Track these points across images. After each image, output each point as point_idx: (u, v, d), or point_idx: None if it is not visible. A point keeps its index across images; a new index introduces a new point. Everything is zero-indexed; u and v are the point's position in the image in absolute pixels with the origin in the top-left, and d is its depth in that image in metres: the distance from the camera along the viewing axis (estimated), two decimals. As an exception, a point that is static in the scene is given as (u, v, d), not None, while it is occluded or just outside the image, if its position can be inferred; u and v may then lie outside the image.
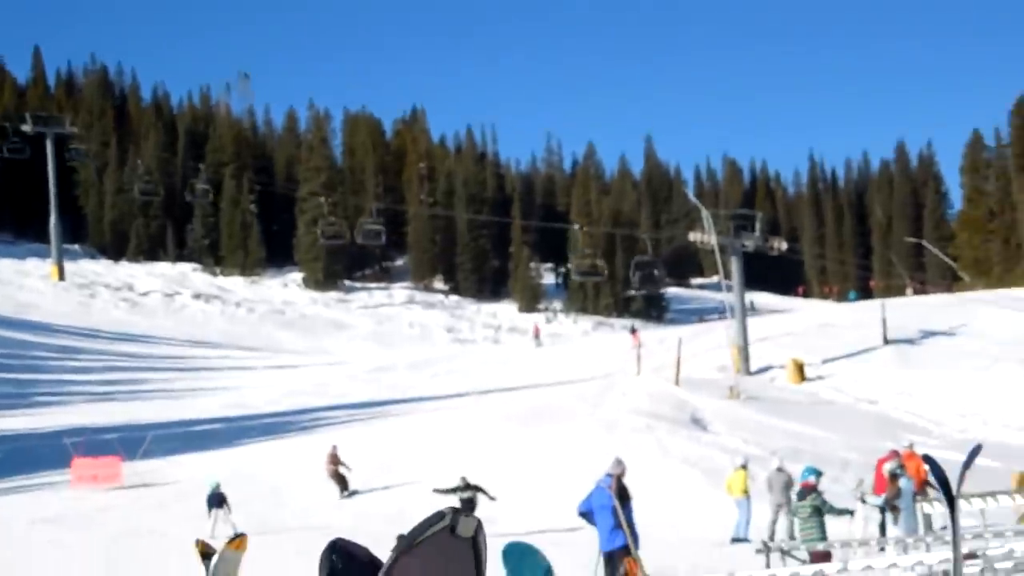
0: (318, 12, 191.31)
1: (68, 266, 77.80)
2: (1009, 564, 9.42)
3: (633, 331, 55.28)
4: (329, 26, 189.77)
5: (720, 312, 58.39)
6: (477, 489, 22.99)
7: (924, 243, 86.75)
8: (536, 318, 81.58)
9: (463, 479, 23.27)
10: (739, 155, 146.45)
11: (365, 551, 2.10)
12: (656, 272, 60.13)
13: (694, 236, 54.36)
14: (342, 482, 26.74)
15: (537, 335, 70.59)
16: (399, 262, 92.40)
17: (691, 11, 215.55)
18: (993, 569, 9.24)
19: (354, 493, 27.90)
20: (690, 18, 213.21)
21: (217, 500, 24.06)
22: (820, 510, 18.83)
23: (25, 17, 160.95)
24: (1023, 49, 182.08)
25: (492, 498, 22.77)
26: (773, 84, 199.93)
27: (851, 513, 20.26)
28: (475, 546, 1.95)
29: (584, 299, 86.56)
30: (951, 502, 4.63)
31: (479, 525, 1.93)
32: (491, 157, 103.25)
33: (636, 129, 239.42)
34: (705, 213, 52.21)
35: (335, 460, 27.20)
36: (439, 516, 1.86)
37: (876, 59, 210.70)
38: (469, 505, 21.50)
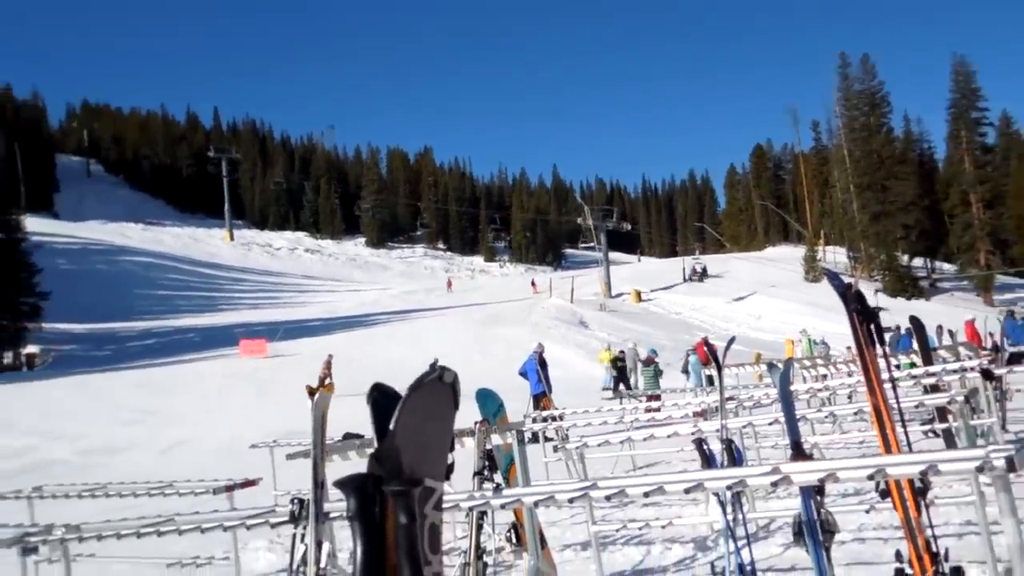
0: (368, 85, 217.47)
1: (235, 233, 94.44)
2: (751, 402, 9.59)
3: (533, 283, 61.54)
4: (376, 90, 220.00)
5: (595, 263, 64.32)
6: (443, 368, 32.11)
7: (705, 226, 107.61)
8: (492, 266, 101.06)
9: (435, 360, 31.68)
10: (603, 175, 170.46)
11: (393, 390, 2.21)
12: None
13: (580, 220, 67.59)
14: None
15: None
16: (419, 233, 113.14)
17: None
18: (743, 405, 9.45)
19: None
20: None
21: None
22: (656, 373, 22.38)
23: (207, 87, 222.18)
24: (763, 104, 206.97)
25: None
26: (621, 128, 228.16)
27: (656, 374, 22.86)
28: (453, 389, 2.23)
29: (521, 255, 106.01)
30: (719, 369, 5.70)
31: (456, 376, 2.20)
32: (468, 174, 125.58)
33: (547, 159, 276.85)
34: (586, 208, 65.13)
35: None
36: (433, 369, 2.15)
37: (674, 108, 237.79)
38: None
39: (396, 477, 1.95)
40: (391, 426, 2.03)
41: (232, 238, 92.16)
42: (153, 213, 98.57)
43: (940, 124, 79.65)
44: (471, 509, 4.72)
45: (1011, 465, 2.85)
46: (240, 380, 28.69)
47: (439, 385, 2.11)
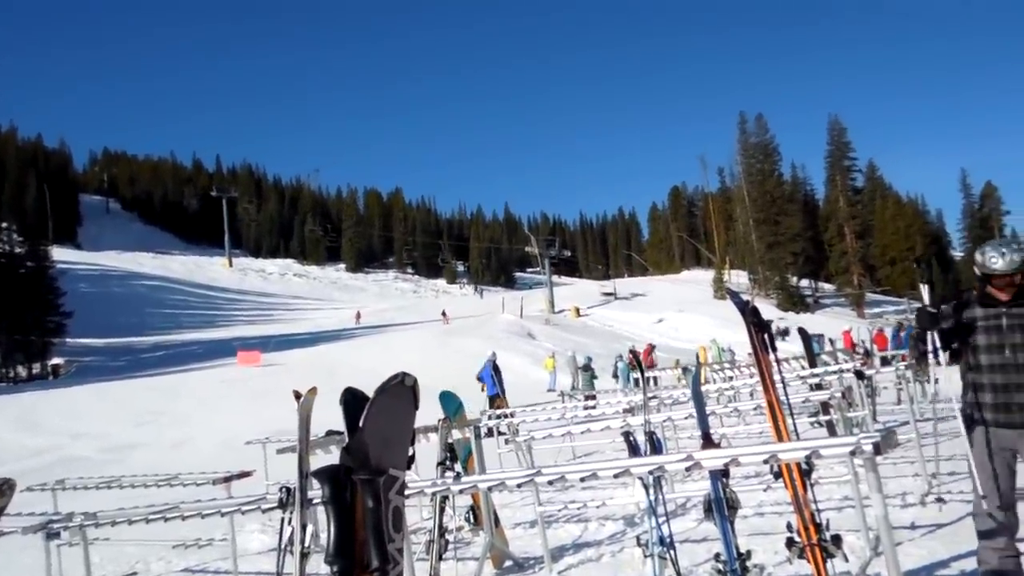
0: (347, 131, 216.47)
1: (234, 260, 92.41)
2: (670, 400, 9.38)
3: (444, 313, 53.66)
4: (355, 137, 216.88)
5: (541, 284, 64.99)
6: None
7: (632, 254, 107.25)
8: (454, 288, 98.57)
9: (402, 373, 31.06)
10: (547, 210, 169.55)
11: (363, 393, 2.18)
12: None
13: (528, 248, 68.29)
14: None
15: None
16: (391, 259, 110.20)
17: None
18: (664, 403, 9.22)
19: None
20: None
21: None
22: (592, 377, 22.63)
23: (209, 137, 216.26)
24: (679, 153, 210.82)
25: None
26: (563, 170, 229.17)
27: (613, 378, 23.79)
28: (414, 391, 2.20)
29: (478, 278, 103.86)
30: (642, 372, 5.96)
31: (415, 381, 2.19)
32: (433, 210, 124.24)
33: (500, 196, 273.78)
34: (533, 238, 65.52)
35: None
36: (397, 375, 2.14)
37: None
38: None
39: (364, 467, 1.96)
40: (360, 424, 2.04)
41: (231, 264, 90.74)
42: (162, 244, 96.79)
43: (820, 170, 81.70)
44: (434, 494, 4.74)
45: (877, 449, 2.91)
46: (237, 386, 28.38)
47: (402, 388, 2.16)
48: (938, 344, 3.89)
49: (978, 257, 3.79)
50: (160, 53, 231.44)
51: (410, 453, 2.41)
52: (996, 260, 3.68)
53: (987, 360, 3.72)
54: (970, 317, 3.80)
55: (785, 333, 37.13)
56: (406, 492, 3.78)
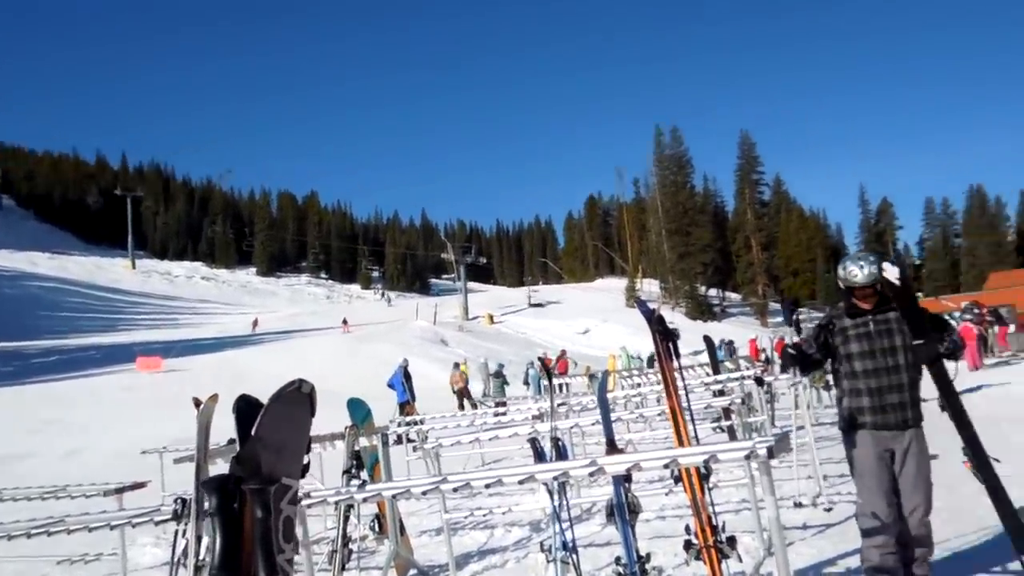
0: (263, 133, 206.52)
1: (137, 262, 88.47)
2: (579, 407, 9.64)
3: (344, 321, 51.25)
4: (268, 140, 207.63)
5: (457, 291, 63.19)
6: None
7: (547, 262, 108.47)
8: (368, 293, 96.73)
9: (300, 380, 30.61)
10: (464, 217, 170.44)
11: (257, 400, 2.12)
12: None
13: (444, 255, 67.27)
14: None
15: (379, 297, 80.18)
16: (304, 263, 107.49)
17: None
18: (572, 409, 9.43)
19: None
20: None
21: None
22: (504, 383, 22.87)
23: (119, 133, 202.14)
24: (596, 163, 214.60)
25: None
26: (481, 178, 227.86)
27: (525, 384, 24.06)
28: (311, 399, 2.15)
29: (393, 284, 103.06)
30: (550, 379, 6.35)
31: (312, 388, 2.15)
32: (349, 215, 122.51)
33: (418, 202, 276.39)
34: (449, 245, 65.07)
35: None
36: (294, 381, 2.12)
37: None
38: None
39: (254, 476, 1.89)
40: (252, 432, 1.98)
41: (134, 266, 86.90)
42: (60, 244, 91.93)
43: (730, 183, 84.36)
44: (338, 503, 4.62)
45: (771, 453, 3.00)
46: (137, 392, 27.41)
47: (298, 395, 2.09)
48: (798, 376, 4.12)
49: (840, 272, 4.03)
50: (66, 45, 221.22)
51: (305, 462, 2.33)
52: (856, 274, 3.93)
53: (861, 366, 3.93)
54: (841, 328, 4.03)
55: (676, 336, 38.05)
56: (308, 502, 3.71)
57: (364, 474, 5.56)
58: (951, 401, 3.72)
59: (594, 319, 54.01)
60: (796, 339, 4.52)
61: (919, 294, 70.30)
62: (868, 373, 3.91)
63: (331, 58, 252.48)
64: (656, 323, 4.88)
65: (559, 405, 9.96)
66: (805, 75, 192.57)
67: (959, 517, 4.55)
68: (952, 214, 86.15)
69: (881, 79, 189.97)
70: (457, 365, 24.29)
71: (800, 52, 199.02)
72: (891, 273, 3.79)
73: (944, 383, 3.73)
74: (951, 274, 79.63)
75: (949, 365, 3.86)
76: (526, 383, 25.30)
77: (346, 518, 5.20)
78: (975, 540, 4.63)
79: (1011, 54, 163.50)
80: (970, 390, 13.39)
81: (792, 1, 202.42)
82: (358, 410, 6.21)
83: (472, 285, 72.33)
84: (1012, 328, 26.84)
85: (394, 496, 4.24)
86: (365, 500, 4.15)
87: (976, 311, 21.71)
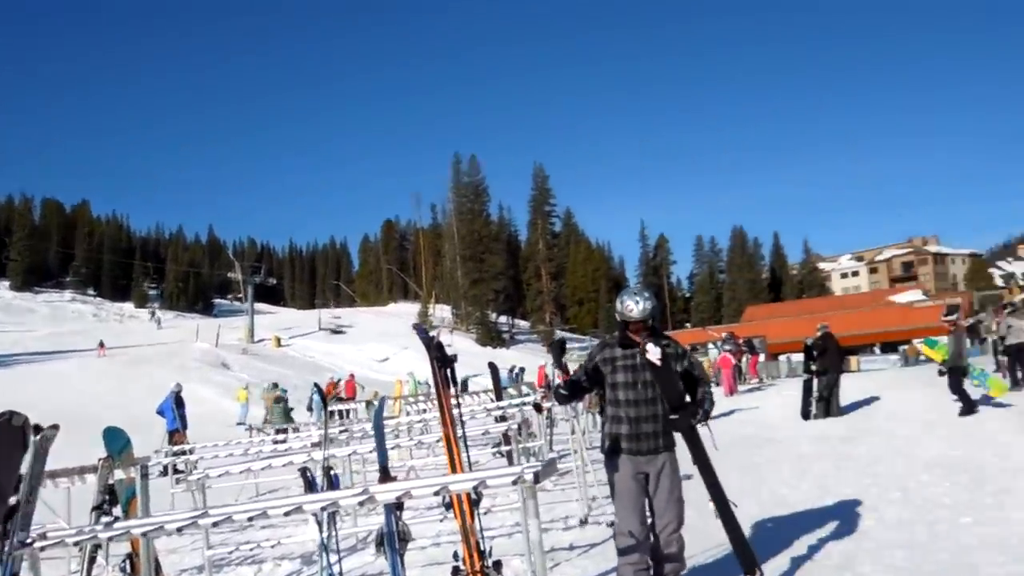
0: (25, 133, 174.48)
1: None
2: (361, 433, 9.17)
3: (101, 344, 47.49)
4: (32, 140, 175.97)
5: (244, 312, 59.08)
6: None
7: (341, 284, 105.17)
8: (143, 312, 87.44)
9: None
10: (255, 235, 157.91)
11: None
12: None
13: (232, 274, 64.29)
14: None
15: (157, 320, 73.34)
16: (68, 279, 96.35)
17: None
18: (354, 436, 9.19)
19: None
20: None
21: None
22: (287, 409, 22.19)
23: None
24: (394, 187, 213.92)
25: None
26: (275, 197, 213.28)
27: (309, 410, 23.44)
28: (23, 431, 2.03)
29: (173, 303, 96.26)
30: (325, 406, 8.25)
31: (26, 420, 2.01)
32: (125, 227, 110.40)
33: (205, 219, 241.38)
34: (237, 263, 62.26)
35: None
36: (3, 413, 1.95)
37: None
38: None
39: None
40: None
41: None
42: None
43: (524, 213, 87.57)
44: (79, 543, 4.17)
45: (537, 478, 3.13)
46: None
47: (7, 429, 1.82)
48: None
49: (618, 305, 4.31)
50: None
51: (12, 502, 2.07)
52: (632, 309, 4.21)
53: (624, 396, 4.21)
54: (611, 357, 4.29)
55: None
56: (43, 543, 3.33)
57: (118, 510, 5.09)
58: (701, 460, 4.25)
59: (392, 345, 53.12)
60: (560, 380, 4.75)
61: (687, 325, 77.67)
62: (629, 403, 4.18)
63: (96, 52, 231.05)
64: (435, 349, 4.93)
65: (342, 432, 9.84)
66: (592, 109, 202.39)
67: (707, 536, 4.94)
68: (718, 252, 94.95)
69: (661, 116, 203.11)
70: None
71: (586, 87, 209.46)
72: (653, 355, 4.10)
73: (697, 448, 4.20)
74: (715, 307, 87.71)
75: (702, 430, 4.26)
76: (309, 409, 24.76)
77: (92, 559, 4.71)
78: (718, 554, 5.05)
79: (772, 103, 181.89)
80: (725, 414, 14.75)
81: (578, 30, 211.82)
82: (115, 440, 5.73)
83: (260, 306, 69.34)
84: (762, 358, 30.04)
85: (145, 533, 3.92)
86: (111, 539, 3.77)
87: (733, 341, 24.06)
